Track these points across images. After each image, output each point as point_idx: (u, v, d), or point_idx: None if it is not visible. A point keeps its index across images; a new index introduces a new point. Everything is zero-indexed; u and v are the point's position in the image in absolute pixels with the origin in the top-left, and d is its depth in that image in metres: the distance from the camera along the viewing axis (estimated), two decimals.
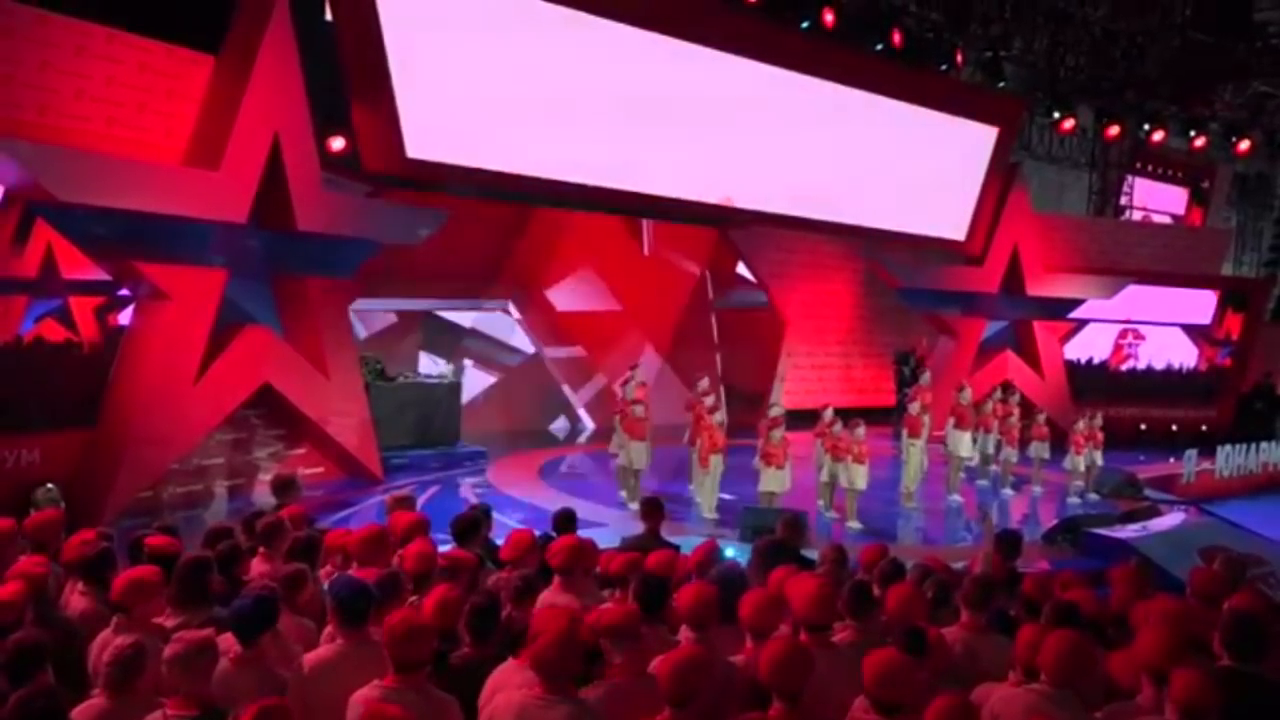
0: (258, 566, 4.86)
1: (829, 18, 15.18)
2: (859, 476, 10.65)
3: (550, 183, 12.92)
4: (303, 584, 4.15)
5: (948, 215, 17.61)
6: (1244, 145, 22.01)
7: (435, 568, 4.43)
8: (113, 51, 8.98)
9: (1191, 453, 15.90)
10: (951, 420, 12.99)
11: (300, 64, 10.12)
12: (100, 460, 9.03)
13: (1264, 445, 17.25)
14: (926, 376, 14.25)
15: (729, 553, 7.91)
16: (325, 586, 4.21)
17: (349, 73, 10.89)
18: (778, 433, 10.41)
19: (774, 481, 10.28)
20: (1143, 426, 18.53)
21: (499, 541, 5.43)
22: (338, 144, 11.02)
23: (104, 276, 9.65)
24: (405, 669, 3.15)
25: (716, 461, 10.66)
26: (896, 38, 16.14)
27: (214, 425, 9.91)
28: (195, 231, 9.32)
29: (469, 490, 11.40)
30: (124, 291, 9.97)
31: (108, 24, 8.93)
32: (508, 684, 3.33)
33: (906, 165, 16.56)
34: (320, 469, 11.14)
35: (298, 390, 10.54)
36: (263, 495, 9.43)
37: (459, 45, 11.61)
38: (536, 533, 5.22)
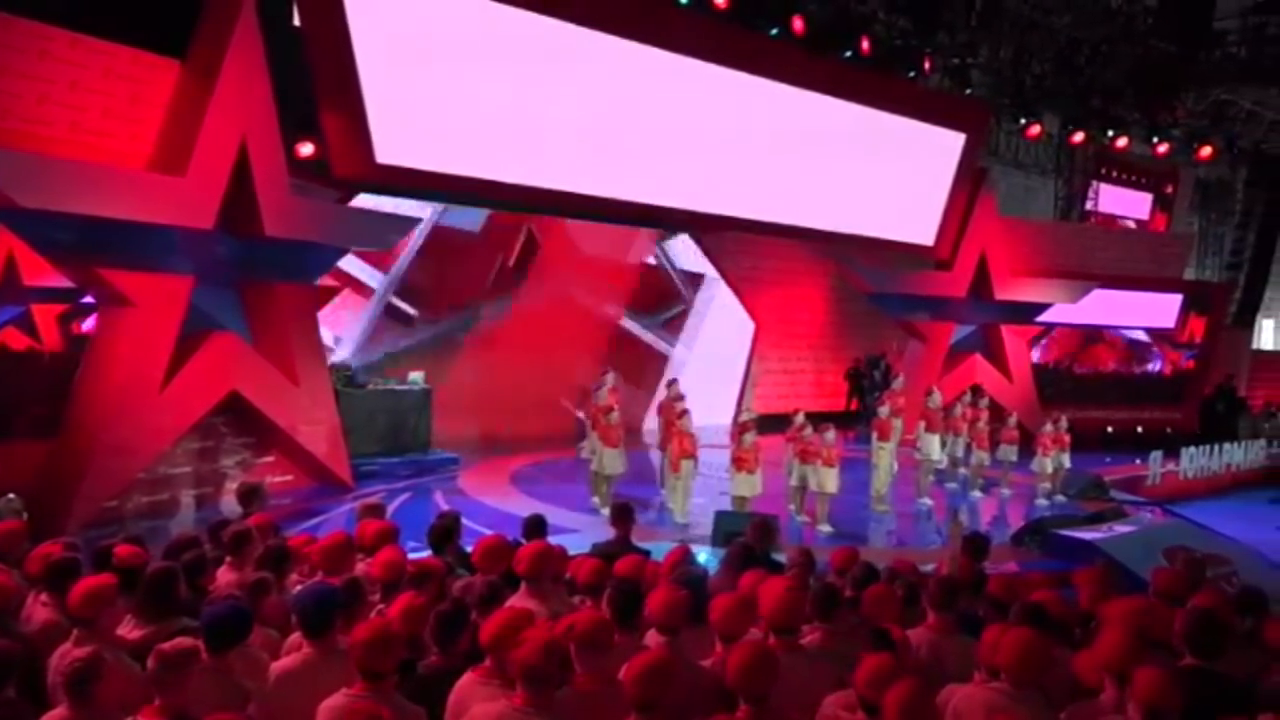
0: (224, 576, 4.81)
1: (798, 25, 15.28)
2: (829, 480, 10.71)
3: (520, 188, 12.89)
4: (266, 593, 4.12)
5: (917, 220, 17.77)
6: (1206, 151, 22.41)
7: (404, 575, 4.41)
8: (76, 56, 8.87)
9: (1156, 454, 16.13)
10: (921, 424, 13.11)
11: (268, 68, 10.03)
12: (64, 470, 8.90)
13: (1226, 447, 17.54)
14: (899, 381, 14.40)
15: (701, 558, 7.94)
16: (292, 595, 4.18)
17: (317, 77, 10.82)
18: (749, 437, 10.45)
19: (746, 486, 10.31)
20: (1109, 429, 18.80)
21: (469, 548, 5.41)
22: (306, 149, 10.94)
23: (67, 284, 9.52)
24: (372, 678, 3.14)
25: (688, 466, 10.68)
26: (865, 45, 16.27)
27: (180, 433, 9.79)
28: (161, 238, 9.21)
29: (441, 497, 11.33)
30: (88, 299, 9.86)
31: (71, 28, 8.80)
32: (473, 694, 3.31)
33: (876, 171, 16.70)
34: (289, 477, 11.04)
35: (266, 398, 10.44)
36: (230, 504, 9.27)
37: (428, 49, 11.57)
38: (506, 539, 5.21)
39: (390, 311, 14.66)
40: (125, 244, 8.93)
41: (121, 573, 4.17)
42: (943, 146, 17.80)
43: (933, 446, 12.99)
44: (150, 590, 3.96)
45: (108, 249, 8.88)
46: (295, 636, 3.77)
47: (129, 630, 3.91)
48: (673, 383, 12.64)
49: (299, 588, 4.29)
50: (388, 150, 11.30)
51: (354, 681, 3.17)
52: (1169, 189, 26.12)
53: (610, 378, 11.84)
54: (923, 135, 17.39)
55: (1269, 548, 11.85)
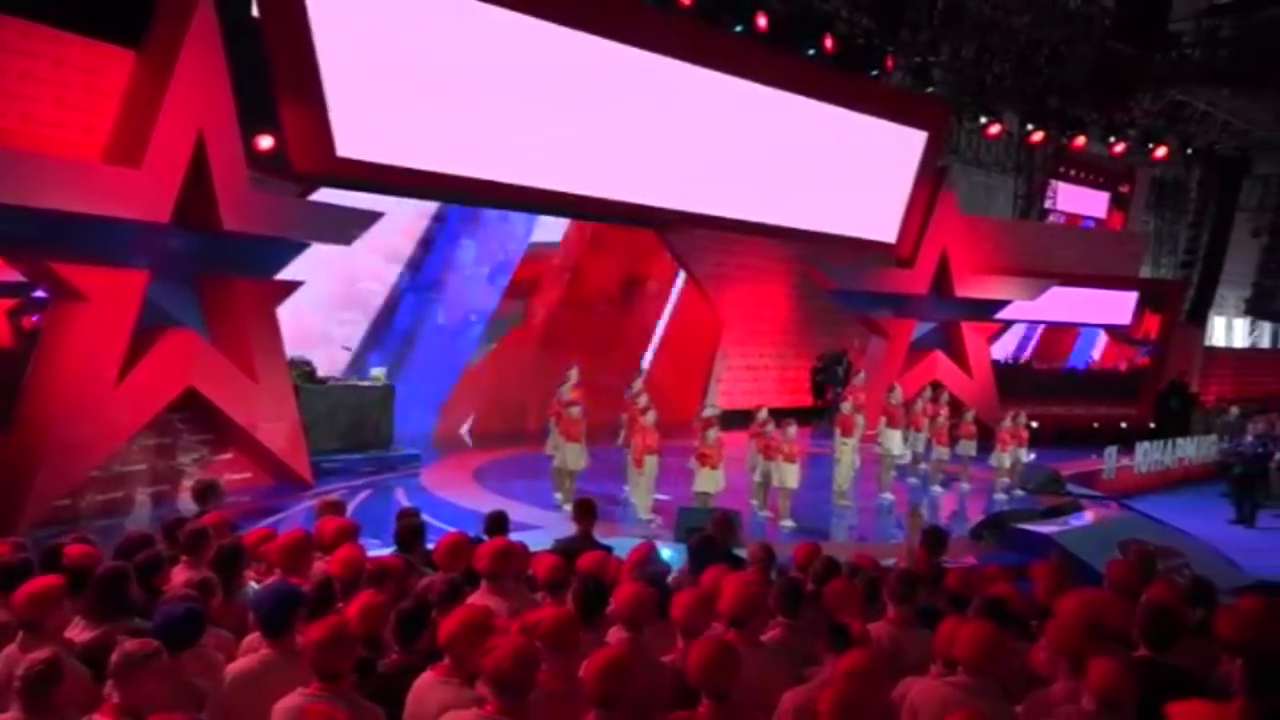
0: (179, 575, 4.73)
1: (762, 21, 15.32)
2: (790, 475, 10.78)
3: (484, 183, 12.83)
4: (214, 592, 4.06)
5: (879, 218, 17.93)
6: (1161, 151, 22.82)
7: (363, 574, 4.37)
8: (28, 45, 8.67)
9: (1112, 449, 16.41)
10: (883, 419, 13.23)
11: (225, 60, 9.87)
12: (15, 467, 8.72)
13: (1179, 442, 17.89)
14: (860, 377, 14.51)
15: (665, 554, 7.95)
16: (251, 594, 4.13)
17: (276, 70, 10.68)
18: (712, 433, 10.48)
19: (709, 482, 10.34)
20: (1066, 424, 19.09)
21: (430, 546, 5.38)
22: (265, 143, 10.79)
23: (18, 278, 9.32)
24: (328, 678, 3.10)
25: (651, 462, 10.69)
26: (828, 43, 16.35)
27: (135, 430, 9.63)
28: (115, 231, 9.03)
29: (403, 494, 11.25)
30: (40, 293, 9.65)
31: (22, 17, 8.60)
32: (433, 693, 3.29)
33: (838, 168, 16.82)
34: (248, 474, 10.90)
35: (224, 394, 10.30)
36: (187, 502, 9.18)
37: (390, 42, 11.47)
38: (470, 535, 5.19)
39: None
40: (78, 237, 8.76)
41: (71, 573, 4.09)
42: (904, 145, 17.98)
43: (894, 442, 13.11)
44: (100, 591, 3.89)
45: (60, 242, 8.70)
46: (253, 637, 3.72)
47: (78, 632, 3.84)
48: (636, 378, 12.64)
49: (258, 587, 4.23)
50: (349, 144, 11.19)
51: (310, 681, 3.13)
52: (1125, 188, 26.55)
53: (574, 374, 11.81)
54: (885, 133, 17.55)
55: (1220, 540, 12.11)
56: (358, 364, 13.86)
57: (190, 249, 9.94)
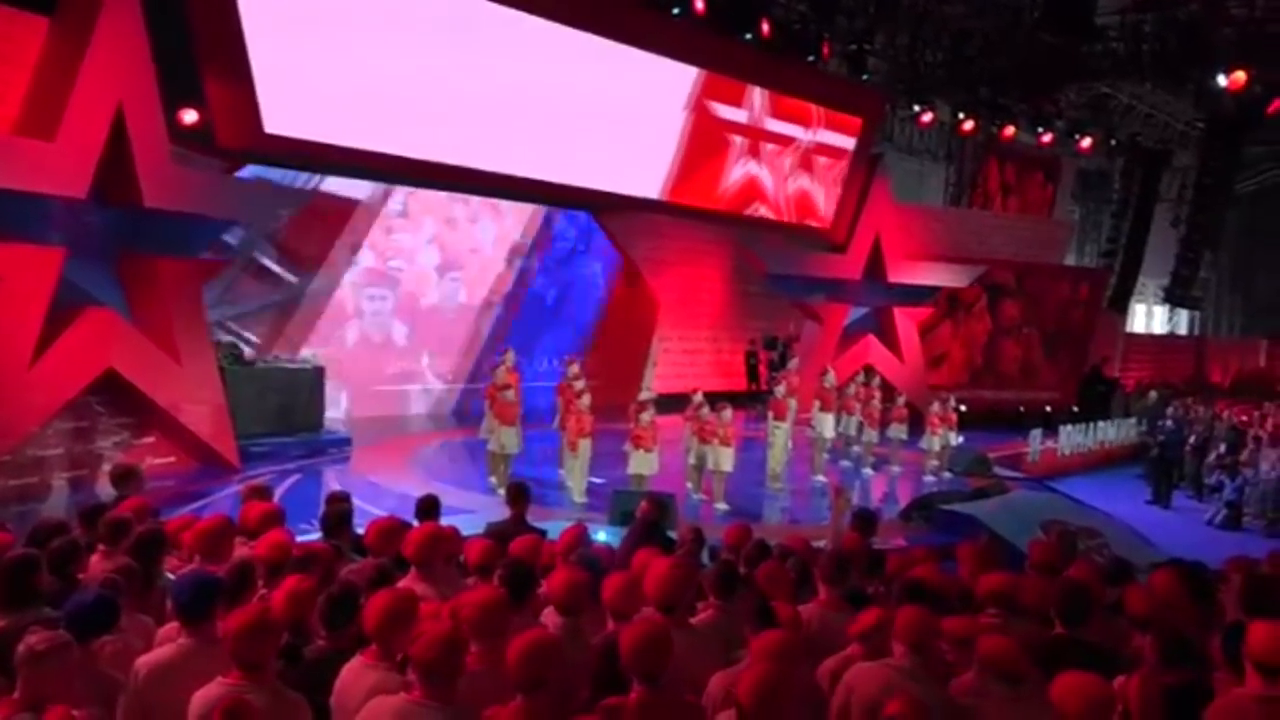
0: (98, 564, 4.58)
1: (699, 5, 15.29)
2: (725, 459, 10.85)
3: (415, 162, 12.63)
4: (137, 580, 3.94)
5: (813, 203, 18.11)
6: (1086, 142, 23.41)
7: (289, 559, 4.27)
8: None
9: (1036, 432, 16.85)
10: (816, 403, 13.38)
11: (146, 29, 9.53)
12: None
13: (1100, 425, 18.43)
14: (794, 361, 14.66)
15: (600, 536, 7.95)
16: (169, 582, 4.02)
17: (200, 41, 10.36)
18: (647, 416, 10.49)
19: (643, 464, 10.37)
20: (994, 408, 19.54)
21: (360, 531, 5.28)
22: (190, 117, 10.47)
23: None
24: (249, 668, 3.03)
25: (585, 445, 10.67)
26: (765, 27, 16.40)
27: (51, 414, 9.29)
28: (28, 206, 8.67)
29: (332, 478, 11.06)
30: None
31: None
32: (361, 679, 3.23)
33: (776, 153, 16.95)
34: (172, 458, 10.60)
35: (145, 375, 9.99)
36: (107, 487, 8.87)
37: (319, 15, 11.21)
38: (400, 519, 5.11)
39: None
40: None
41: None
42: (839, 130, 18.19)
43: (827, 425, 13.27)
44: (7, 579, 3.73)
45: None
46: (170, 626, 3.61)
47: None
48: (571, 362, 12.59)
49: (176, 574, 4.11)
50: (276, 120, 10.90)
51: (230, 671, 3.05)
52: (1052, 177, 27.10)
53: (509, 357, 11.70)
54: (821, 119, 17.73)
55: (1137, 520, 12.52)
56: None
57: (110, 226, 9.62)
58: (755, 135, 17.30)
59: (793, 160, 17.97)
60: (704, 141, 16.39)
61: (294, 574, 3.95)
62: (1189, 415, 18.70)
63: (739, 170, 17.27)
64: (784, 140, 17.73)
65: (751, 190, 17.58)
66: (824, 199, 18.54)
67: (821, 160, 18.39)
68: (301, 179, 13.41)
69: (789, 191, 18.01)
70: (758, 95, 17.02)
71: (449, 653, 2.96)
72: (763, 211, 17.60)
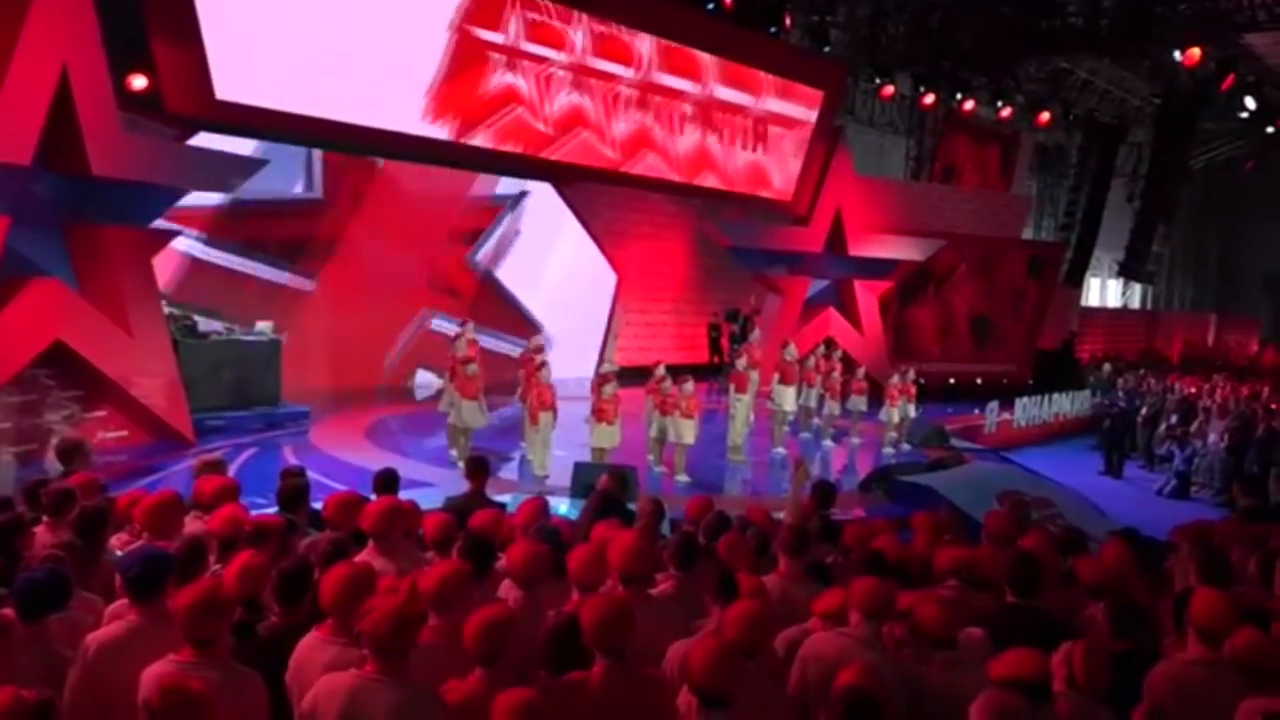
0: (43, 538, 4.48)
1: None
2: (687, 431, 10.86)
3: (372, 131, 12.41)
4: (84, 556, 3.85)
5: (774, 175, 18.09)
6: (1044, 117, 23.63)
7: (242, 534, 4.20)
8: None
9: (993, 405, 17.05)
10: (777, 376, 13.43)
11: None
12: None
13: (1055, 397, 18.70)
14: (756, 334, 14.70)
15: (562, 509, 7.94)
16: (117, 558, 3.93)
17: (149, 3, 10.05)
18: (609, 388, 10.46)
19: (605, 437, 10.35)
20: (951, 380, 19.76)
21: (317, 505, 5.22)
22: (139, 82, 10.18)
23: None
24: (200, 644, 2.97)
25: (546, 419, 10.62)
26: None
27: None
28: None
29: (290, 453, 10.92)
30: None
31: None
32: (316, 654, 3.19)
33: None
34: (124, 432, 10.39)
35: (95, 347, 9.76)
36: (55, 462, 8.72)
37: None
38: (359, 494, 5.04)
39: None
40: None
41: None
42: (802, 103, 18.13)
43: (787, 398, 13.33)
44: None
45: None
46: (119, 603, 3.53)
47: None
48: (534, 334, 12.52)
49: (124, 550, 4.03)
50: (228, 86, 10.64)
51: (181, 648, 2.99)
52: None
53: (469, 329, 11.59)
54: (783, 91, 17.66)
55: (1090, 490, 12.75)
56: None
57: (56, 193, 9.34)
58: (705, 105, 17.16)
59: (744, 130, 17.82)
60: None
61: (247, 549, 3.89)
62: (1141, 387, 19.06)
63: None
64: (734, 109, 17.57)
65: (702, 159, 17.42)
66: (777, 171, 18.43)
67: (775, 130, 18.28)
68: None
69: (739, 163, 17.88)
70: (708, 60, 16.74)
71: (401, 627, 2.92)
72: (711, 181, 17.43)
